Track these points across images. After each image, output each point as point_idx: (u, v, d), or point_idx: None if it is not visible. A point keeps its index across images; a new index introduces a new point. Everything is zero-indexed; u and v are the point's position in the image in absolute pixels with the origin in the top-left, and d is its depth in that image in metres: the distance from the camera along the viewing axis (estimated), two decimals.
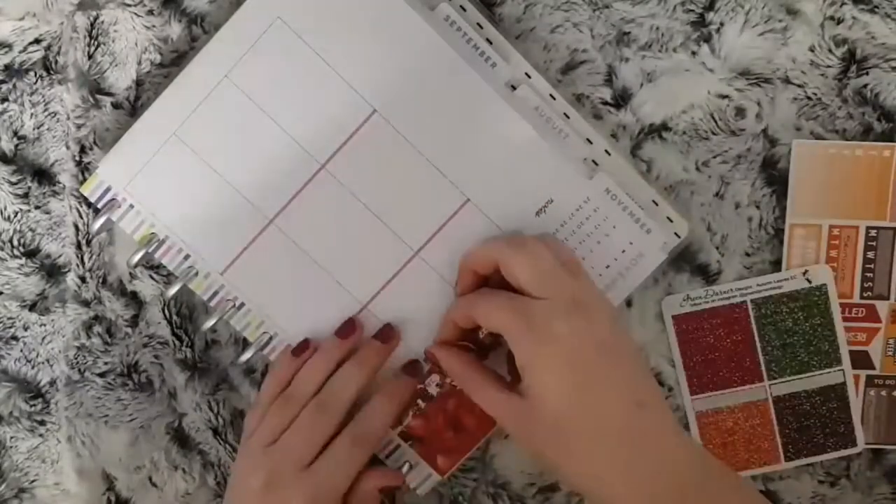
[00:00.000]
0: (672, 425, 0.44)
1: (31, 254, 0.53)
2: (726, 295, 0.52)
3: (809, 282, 0.52)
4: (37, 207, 0.53)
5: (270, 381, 0.51)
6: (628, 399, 0.43)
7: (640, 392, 0.44)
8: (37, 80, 0.52)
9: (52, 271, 0.53)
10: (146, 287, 0.53)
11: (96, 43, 0.51)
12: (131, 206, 0.51)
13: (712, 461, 0.45)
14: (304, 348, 0.51)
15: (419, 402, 0.52)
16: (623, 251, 0.50)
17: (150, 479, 0.54)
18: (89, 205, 0.52)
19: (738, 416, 0.53)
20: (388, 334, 0.51)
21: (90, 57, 0.51)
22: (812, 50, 0.51)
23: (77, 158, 0.52)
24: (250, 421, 0.50)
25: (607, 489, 0.43)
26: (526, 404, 0.44)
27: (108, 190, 0.51)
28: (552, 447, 0.44)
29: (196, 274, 0.51)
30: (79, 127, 0.52)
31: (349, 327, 0.51)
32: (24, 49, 0.52)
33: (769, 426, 0.53)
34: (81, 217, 0.52)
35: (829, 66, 0.51)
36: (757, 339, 0.53)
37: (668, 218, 0.51)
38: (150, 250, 0.51)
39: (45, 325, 0.54)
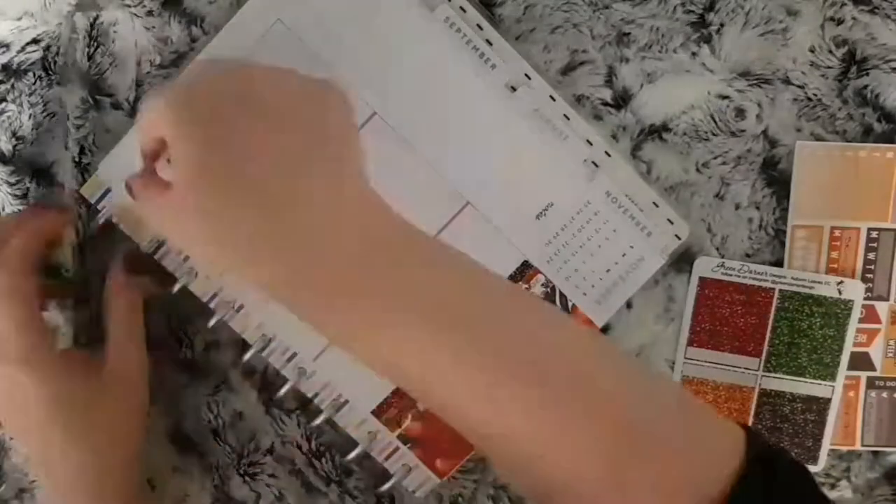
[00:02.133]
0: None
1: None
2: (759, 276, 0.52)
3: (840, 293, 0.52)
4: None
5: None
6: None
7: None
8: (36, 81, 0.52)
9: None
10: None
11: (96, 44, 0.51)
12: None
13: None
14: None
15: (418, 404, 0.52)
16: (623, 255, 0.50)
17: (148, 480, 0.54)
18: (89, 206, 0.52)
19: (721, 394, 0.53)
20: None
21: (90, 58, 0.51)
22: (812, 51, 0.51)
23: (76, 159, 0.52)
24: None
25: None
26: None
27: (108, 191, 0.51)
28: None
29: (196, 275, 0.51)
30: (78, 127, 0.52)
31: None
32: (23, 49, 0.51)
33: (745, 416, 0.53)
34: (81, 217, 0.52)
35: (829, 67, 0.51)
36: (770, 328, 0.52)
37: (668, 220, 0.51)
38: (150, 251, 0.51)
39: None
